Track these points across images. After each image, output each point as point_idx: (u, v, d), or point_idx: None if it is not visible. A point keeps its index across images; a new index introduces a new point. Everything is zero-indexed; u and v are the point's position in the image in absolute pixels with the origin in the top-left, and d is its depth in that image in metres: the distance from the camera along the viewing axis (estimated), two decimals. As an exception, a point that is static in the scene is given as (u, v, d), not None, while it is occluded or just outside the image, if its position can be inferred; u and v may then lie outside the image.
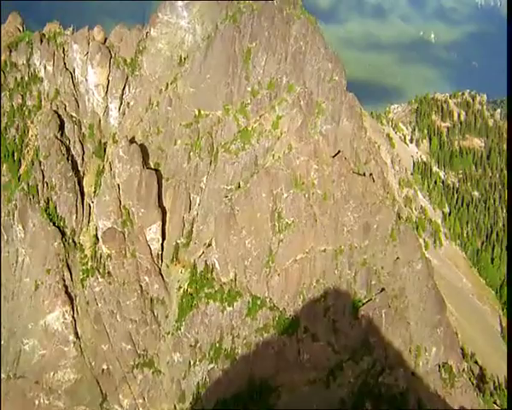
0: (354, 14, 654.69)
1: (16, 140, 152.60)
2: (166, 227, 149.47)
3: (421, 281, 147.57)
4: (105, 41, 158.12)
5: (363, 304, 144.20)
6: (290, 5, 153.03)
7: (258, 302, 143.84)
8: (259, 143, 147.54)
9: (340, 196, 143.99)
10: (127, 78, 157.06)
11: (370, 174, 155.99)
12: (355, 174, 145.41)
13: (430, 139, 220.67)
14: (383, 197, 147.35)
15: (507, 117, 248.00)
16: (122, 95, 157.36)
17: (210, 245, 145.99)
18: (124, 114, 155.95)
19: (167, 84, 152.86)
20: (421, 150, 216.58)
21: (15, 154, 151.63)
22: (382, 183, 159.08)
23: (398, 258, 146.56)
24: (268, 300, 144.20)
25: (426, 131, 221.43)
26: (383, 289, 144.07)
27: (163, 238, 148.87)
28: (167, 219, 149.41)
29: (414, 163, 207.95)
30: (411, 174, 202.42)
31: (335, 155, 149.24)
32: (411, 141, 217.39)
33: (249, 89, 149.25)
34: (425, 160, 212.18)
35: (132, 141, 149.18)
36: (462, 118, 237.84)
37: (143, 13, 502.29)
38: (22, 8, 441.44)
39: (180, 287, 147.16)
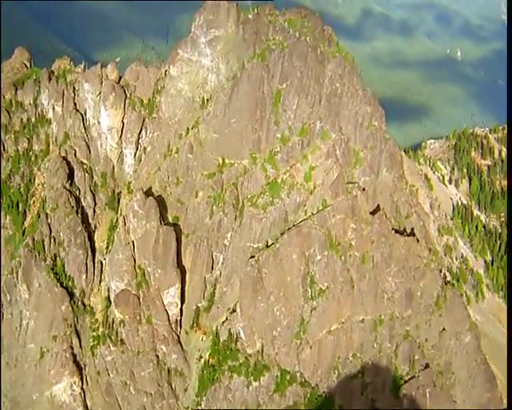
0: (380, 32, 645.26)
1: (21, 189, 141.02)
2: (186, 289, 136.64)
3: (469, 355, 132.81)
4: (119, 80, 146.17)
5: (406, 381, 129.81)
6: (325, 42, 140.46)
7: (288, 377, 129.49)
8: (290, 197, 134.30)
9: (380, 260, 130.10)
10: (144, 120, 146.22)
11: (412, 230, 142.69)
12: (397, 234, 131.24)
13: (470, 179, 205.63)
14: (428, 260, 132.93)
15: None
16: (138, 139, 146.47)
17: (234, 311, 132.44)
18: (140, 160, 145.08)
19: (188, 129, 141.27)
20: (460, 191, 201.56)
21: (20, 205, 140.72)
22: (425, 238, 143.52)
23: (444, 329, 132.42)
24: (298, 374, 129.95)
25: (465, 170, 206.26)
26: (427, 365, 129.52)
27: (182, 302, 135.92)
28: (187, 279, 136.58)
29: (453, 206, 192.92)
30: (451, 219, 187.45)
31: (374, 210, 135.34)
32: (450, 181, 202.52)
33: (279, 135, 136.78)
34: (465, 202, 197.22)
35: (149, 193, 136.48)
36: (504, 155, 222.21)
37: (167, 29, 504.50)
38: (43, 21, 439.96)
39: (201, 357, 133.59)
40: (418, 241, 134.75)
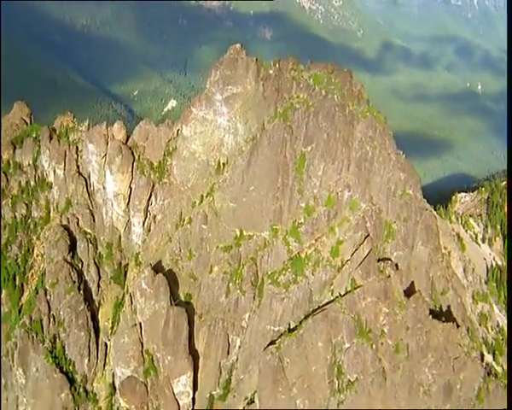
0: (400, 65, 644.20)
1: (19, 260, 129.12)
2: (199, 375, 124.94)
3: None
4: (127, 140, 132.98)
5: None
6: (354, 100, 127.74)
7: None
8: (315, 274, 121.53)
9: (415, 349, 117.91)
10: (153, 186, 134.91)
11: (448, 307, 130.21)
12: (434, 320, 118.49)
13: (504, 237, 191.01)
14: (469, 348, 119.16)
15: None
16: (147, 207, 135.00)
17: (252, 401, 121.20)
18: (149, 230, 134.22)
19: (202, 197, 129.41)
20: (494, 251, 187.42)
21: (17, 278, 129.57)
22: (462, 317, 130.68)
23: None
24: None
25: (499, 227, 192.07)
26: None
27: (194, 390, 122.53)
28: (200, 365, 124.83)
29: (487, 268, 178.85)
30: (485, 283, 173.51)
31: (408, 289, 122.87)
32: (483, 240, 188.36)
33: (303, 205, 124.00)
34: (499, 263, 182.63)
35: (158, 267, 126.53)
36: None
37: (185, 62, 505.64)
38: (61, 56, 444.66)
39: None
40: (458, 326, 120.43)
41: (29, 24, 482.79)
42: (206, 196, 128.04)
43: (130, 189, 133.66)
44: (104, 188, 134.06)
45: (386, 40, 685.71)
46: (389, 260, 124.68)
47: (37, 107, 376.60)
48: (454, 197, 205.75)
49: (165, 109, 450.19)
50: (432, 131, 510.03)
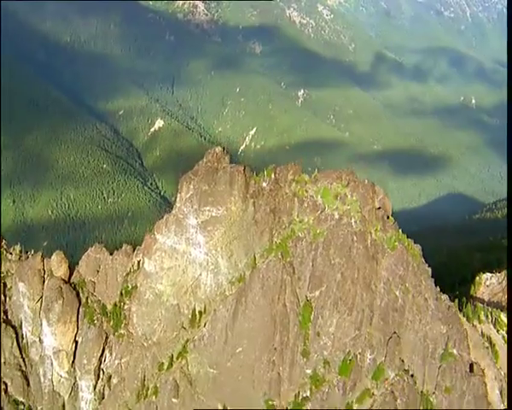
0: (393, 78, 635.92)
1: None
2: None
3: None
4: (70, 276, 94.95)
5: None
6: (378, 224, 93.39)
7: None
8: None
9: None
10: (107, 338, 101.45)
11: None
12: None
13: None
14: None
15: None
16: (99, 366, 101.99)
17: None
18: (102, 396, 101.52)
19: (172, 357, 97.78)
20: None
21: None
22: None
23: None
24: None
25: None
26: None
27: None
28: None
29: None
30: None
31: None
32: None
33: (309, 372, 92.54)
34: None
35: None
36: None
37: (172, 80, 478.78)
38: (45, 74, 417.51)
39: None
40: None
41: (11, 40, 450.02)
42: (178, 358, 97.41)
43: (76, 343, 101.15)
44: (41, 342, 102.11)
45: (379, 53, 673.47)
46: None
47: (18, 129, 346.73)
48: (478, 279, 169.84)
49: (152, 130, 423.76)
50: (426, 147, 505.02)
